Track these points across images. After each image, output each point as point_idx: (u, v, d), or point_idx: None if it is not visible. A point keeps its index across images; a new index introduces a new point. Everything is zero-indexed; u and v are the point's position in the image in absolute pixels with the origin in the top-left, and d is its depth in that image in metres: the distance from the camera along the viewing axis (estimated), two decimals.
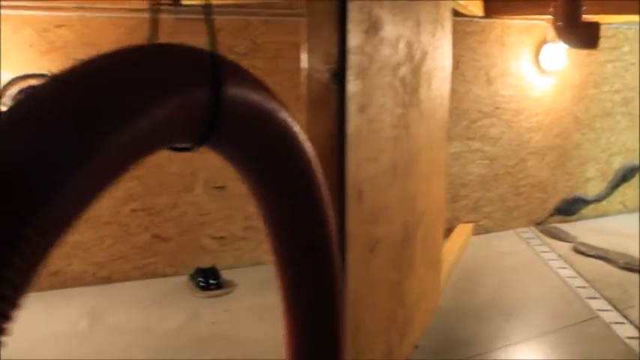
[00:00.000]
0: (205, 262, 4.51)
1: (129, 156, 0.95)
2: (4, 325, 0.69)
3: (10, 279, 0.70)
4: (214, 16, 1.12)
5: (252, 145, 1.31)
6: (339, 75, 1.99)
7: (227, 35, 4.31)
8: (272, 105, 1.30)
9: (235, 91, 1.17)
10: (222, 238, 4.66)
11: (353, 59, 2.06)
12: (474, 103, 5.33)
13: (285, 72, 4.03)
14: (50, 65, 4.14)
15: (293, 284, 1.52)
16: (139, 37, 4.48)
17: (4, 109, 3.24)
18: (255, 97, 1.25)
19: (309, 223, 1.49)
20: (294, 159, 1.40)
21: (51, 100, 0.88)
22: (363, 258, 2.34)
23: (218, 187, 4.53)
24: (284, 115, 1.34)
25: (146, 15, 4.26)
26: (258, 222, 4.66)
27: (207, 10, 1.17)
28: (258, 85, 1.27)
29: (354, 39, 2.07)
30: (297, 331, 1.53)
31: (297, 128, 1.39)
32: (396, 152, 2.70)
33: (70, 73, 0.96)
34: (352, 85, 2.07)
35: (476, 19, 5.12)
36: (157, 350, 3.46)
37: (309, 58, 2.00)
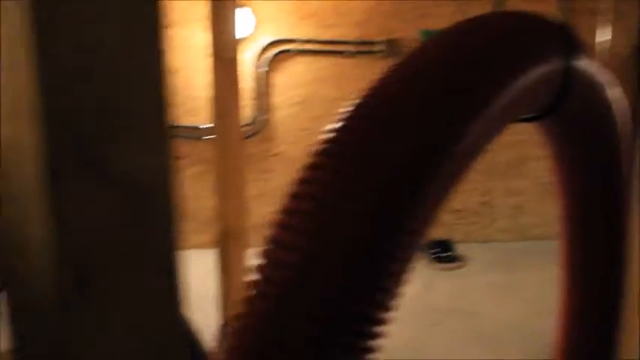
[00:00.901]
0: (438, 234, 4.52)
1: (493, 130, 0.93)
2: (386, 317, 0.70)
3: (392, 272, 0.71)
4: None
5: (582, 118, 1.26)
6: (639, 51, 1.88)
7: None
8: (605, 78, 1.24)
9: (581, 63, 1.12)
10: (457, 211, 4.64)
11: None
12: None
13: None
14: (304, 31, 4.35)
15: (581, 271, 1.45)
16: (384, 6, 4.51)
17: (261, 71, 3.37)
18: (594, 68, 1.19)
19: (613, 204, 1.41)
20: (614, 137, 1.33)
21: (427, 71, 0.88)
22: None
23: None
24: (615, 90, 1.28)
25: None
26: (494, 198, 4.54)
27: None
28: (592, 55, 1.22)
29: None
30: (572, 317, 1.47)
31: (622, 103, 1.31)
32: None
33: (440, 41, 0.95)
34: None
35: None
36: (398, 316, 3.51)
37: (613, 33, 1.91)
